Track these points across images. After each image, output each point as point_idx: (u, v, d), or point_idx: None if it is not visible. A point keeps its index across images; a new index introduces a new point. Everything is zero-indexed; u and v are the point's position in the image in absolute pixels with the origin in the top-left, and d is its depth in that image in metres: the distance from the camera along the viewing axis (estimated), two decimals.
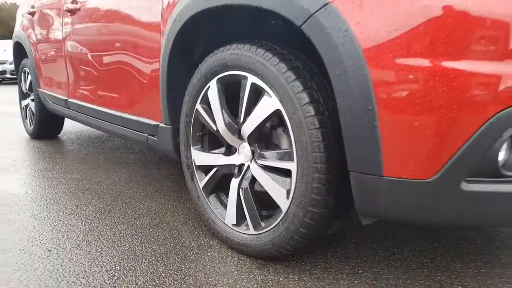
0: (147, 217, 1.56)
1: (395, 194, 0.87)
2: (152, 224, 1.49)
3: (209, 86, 1.26)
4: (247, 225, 1.20)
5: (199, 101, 1.31)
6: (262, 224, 1.16)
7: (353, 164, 0.91)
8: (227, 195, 1.29)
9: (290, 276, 1.12)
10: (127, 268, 1.17)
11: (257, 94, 1.12)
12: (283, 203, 1.07)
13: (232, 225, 1.26)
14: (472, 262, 1.20)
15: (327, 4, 0.87)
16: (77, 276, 1.13)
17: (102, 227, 1.46)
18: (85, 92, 2.11)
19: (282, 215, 1.08)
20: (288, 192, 1.05)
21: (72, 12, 2.10)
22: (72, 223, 1.51)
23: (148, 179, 2.07)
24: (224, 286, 1.06)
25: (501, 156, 0.81)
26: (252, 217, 1.18)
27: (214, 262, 1.20)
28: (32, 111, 3.18)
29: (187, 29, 1.29)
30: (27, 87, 3.20)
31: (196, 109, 1.32)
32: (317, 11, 0.89)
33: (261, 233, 1.16)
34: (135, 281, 1.10)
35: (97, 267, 1.18)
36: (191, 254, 1.25)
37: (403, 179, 0.85)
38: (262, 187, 1.14)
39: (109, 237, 1.38)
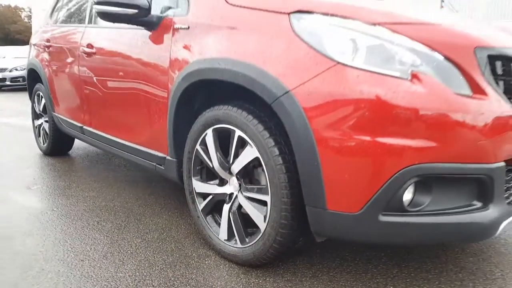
0: (156, 232, 1.94)
1: (336, 221, 1.26)
2: (160, 238, 1.86)
3: (206, 133, 1.64)
4: (235, 240, 1.58)
5: (198, 143, 1.69)
6: (247, 239, 1.54)
7: (307, 200, 1.30)
8: (220, 216, 1.67)
9: (267, 278, 1.50)
10: (145, 274, 1.54)
11: (242, 142, 1.50)
12: (262, 225, 1.45)
13: (224, 240, 1.64)
14: (406, 268, 1.59)
15: (288, 92, 1.26)
16: (108, 280, 1.50)
17: (121, 241, 1.84)
18: (100, 123, 2.48)
19: (260, 234, 1.46)
20: (265, 217, 1.44)
21: (88, 54, 2.47)
22: (96, 237, 1.88)
23: (154, 197, 2.44)
24: (210, 283, 1.44)
25: (405, 197, 1.20)
26: (239, 235, 1.56)
27: (210, 269, 1.58)
28: (45, 130, 3.54)
29: (189, 89, 1.67)
30: (41, 109, 3.56)
31: (196, 149, 1.70)
32: (281, 95, 1.27)
33: (245, 247, 1.54)
34: (152, 284, 1.47)
35: (122, 273, 1.55)
36: (193, 262, 1.63)
37: (340, 212, 1.23)
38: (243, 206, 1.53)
39: (128, 249, 1.76)
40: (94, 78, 2.42)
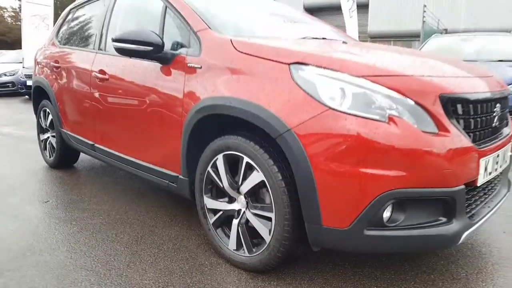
0: (170, 242, 2.20)
1: (329, 235, 1.54)
2: (175, 248, 2.13)
3: (217, 158, 1.91)
4: (244, 250, 1.86)
5: (210, 166, 1.95)
6: (253, 250, 1.82)
7: (306, 217, 1.58)
8: (229, 229, 1.94)
9: (272, 282, 1.78)
10: (166, 281, 1.80)
11: (250, 167, 1.77)
12: (267, 237, 1.73)
13: (233, 249, 1.91)
14: (387, 271, 1.89)
15: (289, 129, 1.54)
16: (135, 287, 1.76)
17: (140, 251, 2.09)
18: (113, 142, 2.71)
19: (266, 245, 1.74)
20: (270, 230, 1.71)
21: (100, 79, 2.71)
22: (117, 248, 2.13)
23: (163, 209, 2.69)
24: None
25: (385, 215, 1.49)
26: (247, 245, 1.83)
27: (222, 275, 1.85)
28: (52, 145, 3.75)
29: (201, 120, 1.93)
30: (47, 125, 3.76)
31: (208, 170, 1.97)
32: (284, 132, 1.55)
33: (253, 256, 1.81)
34: None
35: (146, 280, 1.81)
36: (207, 269, 1.90)
37: (333, 227, 1.52)
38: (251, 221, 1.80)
39: (147, 259, 2.01)
40: (108, 102, 2.66)
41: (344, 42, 2.06)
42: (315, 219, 1.55)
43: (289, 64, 1.64)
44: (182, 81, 2.06)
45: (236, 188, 1.86)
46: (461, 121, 1.60)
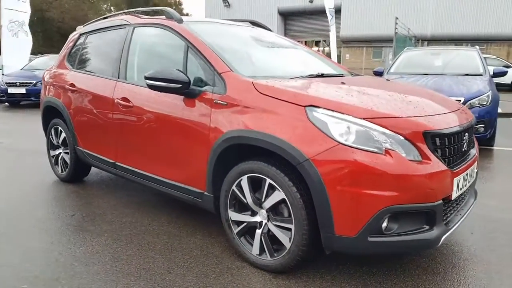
0: (197, 249, 2.57)
1: (341, 241, 1.97)
2: (203, 254, 2.50)
3: (242, 179, 2.30)
4: (266, 254, 2.26)
5: (234, 185, 2.35)
6: (275, 254, 2.22)
7: (321, 228, 2.00)
8: (251, 237, 2.34)
9: (290, 280, 2.19)
10: (205, 282, 2.18)
11: (272, 187, 2.18)
12: (287, 244, 2.14)
13: (256, 254, 2.31)
14: (381, 268, 2.33)
15: (308, 159, 1.96)
16: None
17: (174, 258, 2.46)
18: (136, 161, 3.04)
19: (286, 250, 2.15)
20: (290, 238, 2.12)
21: (123, 106, 3.04)
22: (153, 256, 2.49)
23: (182, 219, 3.05)
24: (248, 285, 2.11)
25: (383, 225, 1.93)
26: (269, 251, 2.24)
27: (249, 276, 2.25)
28: (64, 160, 4.02)
29: (227, 147, 2.32)
30: (60, 142, 4.03)
31: (232, 189, 2.36)
32: (303, 161, 1.97)
33: (274, 259, 2.22)
34: None
35: (188, 282, 2.18)
36: (235, 271, 2.29)
37: (343, 235, 1.95)
38: (273, 232, 2.21)
39: (183, 264, 2.39)
40: (132, 126, 2.99)
41: (342, 83, 2.51)
42: (329, 229, 1.97)
43: (304, 106, 2.06)
44: (208, 114, 2.44)
45: (259, 203, 2.26)
46: (439, 150, 2.06)
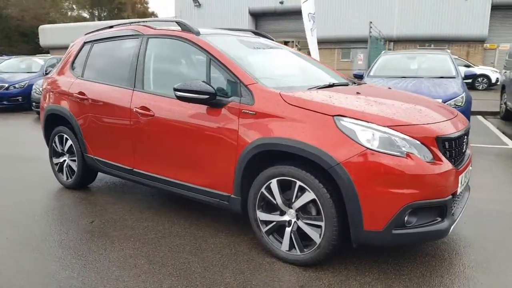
0: (226, 248, 2.76)
1: (369, 235, 2.23)
2: (232, 253, 2.70)
3: (271, 182, 2.52)
4: (295, 250, 2.49)
5: (263, 188, 2.56)
6: (305, 249, 2.46)
7: (351, 224, 2.25)
8: (279, 235, 2.56)
9: (319, 271, 2.43)
10: (243, 278, 2.38)
11: (301, 189, 2.40)
12: (317, 239, 2.38)
13: (286, 250, 2.53)
14: (389, 267, 2.62)
15: (339, 163, 2.20)
16: (221, 284, 2.31)
17: (207, 258, 2.63)
18: (157, 167, 3.17)
19: (317, 245, 2.39)
20: (320, 234, 2.36)
21: (143, 115, 3.16)
22: (186, 257, 2.65)
23: (202, 221, 3.22)
24: (284, 278, 2.34)
25: (405, 219, 2.21)
26: (299, 246, 2.47)
27: (281, 270, 2.47)
28: (69, 167, 4.08)
29: (257, 153, 2.53)
30: (65, 149, 4.07)
31: (261, 191, 2.57)
32: (335, 165, 2.21)
33: (304, 254, 2.45)
34: (253, 282, 2.32)
35: (227, 279, 2.37)
36: (268, 267, 2.51)
37: (371, 230, 2.21)
38: (303, 229, 2.44)
39: (217, 262, 2.57)
40: (154, 134, 3.12)
41: (357, 93, 2.77)
42: (359, 224, 2.23)
43: (332, 116, 2.30)
44: (236, 122, 2.63)
45: (288, 204, 2.48)
46: (447, 152, 2.36)
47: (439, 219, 2.32)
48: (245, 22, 27.67)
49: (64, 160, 4.14)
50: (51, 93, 4.17)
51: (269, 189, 2.55)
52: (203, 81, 2.71)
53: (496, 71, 18.42)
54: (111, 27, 3.98)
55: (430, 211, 2.29)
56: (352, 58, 25.89)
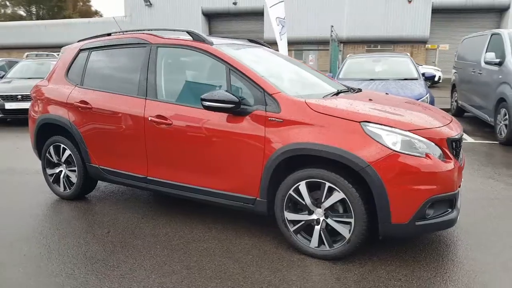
0: (254, 249, 2.91)
1: (395, 228, 2.50)
2: (262, 252, 2.86)
3: (299, 184, 2.71)
4: (325, 245, 2.70)
5: (291, 190, 2.75)
6: (334, 245, 2.68)
7: (380, 218, 2.51)
8: (306, 233, 2.77)
9: (347, 263, 2.66)
10: (280, 275, 2.56)
11: (330, 190, 2.62)
12: (347, 235, 2.61)
13: (314, 247, 2.74)
14: (395, 254, 2.92)
15: (369, 165, 2.45)
16: (262, 281, 2.47)
17: (240, 258, 2.77)
18: (175, 175, 3.24)
19: (346, 240, 2.62)
20: (349, 230, 2.60)
21: (159, 123, 3.22)
22: (220, 260, 2.77)
23: (220, 225, 3.33)
24: (318, 272, 2.56)
25: (426, 212, 2.51)
26: (328, 242, 2.69)
27: (312, 265, 2.67)
28: (67, 177, 4.00)
29: (285, 158, 2.71)
30: (62, 159, 3.99)
31: (289, 193, 2.76)
32: (365, 167, 2.46)
33: (334, 249, 2.68)
34: (291, 278, 2.51)
35: (267, 276, 2.54)
36: (299, 262, 2.70)
37: (398, 223, 2.48)
38: (333, 226, 2.67)
39: (250, 263, 2.72)
40: (171, 142, 3.19)
41: (370, 100, 3.04)
42: (387, 219, 2.49)
43: (359, 121, 2.54)
44: (262, 130, 2.79)
45: (316, 204, 2.70)
46: (454, 151, 2.70)
47: (450, 210, 2.64)
48: (198, 23, 27.55)
49: (61, 171, 4.05)
50: (43, 101, 4.06)
51: (297, 190, 2.74)
52: (227, 91, 2.84)
53: (438, 70, 19.92)
54: (109, 34, 3.96)
55: (444, 204, 2.60)
56: (304, 59, 26.67)
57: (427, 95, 6.47)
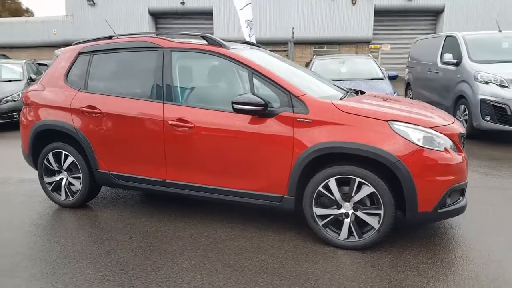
0: (285, 244, 3.05)
1: (421, 216, 2.78)
2: (292, 247, 3.00)
3: (329, 180, 2.90)
4: (354, 237, 2.91)
5: (321, 186, 2.93)
6: (363, 236, 2.90)
7: (408, 208, 2.77)
8: (335, 226, 2.97)
9: (377, 252, 2.89)
10: (320, 266, 2.73)
11: (359, 185, 2.84)
12: (376, 225, 2.84)
13: (344, 239, 2.94)
14: (424, 235, 3.23)
15: (399, 160, 2.69)
16: (306, 273, 2.63)
17: (275, 254, 2.90)
18: (197, 177, 3.27)
19: (375, 230, 2.85)
20: (379, 221, 2.83)
21: (181, 126, 3.23)
22: (256, 256, 2.88)
23: (241, 224, 3.42)
24: (352, 261, 2.77)
25: (446, 200, 2.81)
26: (357, 233, 2.90)
27: (343, 255, 2.87)
28: (67, 185, 3.86)
29: (315, 156, 2.88)
30: (63, 167, 3.84)
31: (318, 189, 2.94)
32: (396, 162, 2.70)
33: (363, 239, 2.89)
34: (329, 271, 2.69)
35: (309, 269, 2.69)
36: (331, 254, 2.89)
37: (423, 211, 2.76)
38: (362, 218, 2.88)
39: (288, 257, 2.86)
40: (194, 145, 3.23)
41: (384, 100, 3.30)
42: (414, 208, 2.75)
43: (387, 120, 2.78)
44: (290, 130, 2.94)
45: (345, 198, 2.90)
46: (462, 146, 3.04)
47: (461, 197, 2.97)
48: (145, 22, 26.86)
49: (61, 178, 3.90)
50: (40, 107, 3.88)
51: (326, 187, 2.92)
52: (255, 94, 2.96)
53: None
54: (110, 37, 3.88)
55: (458, 192, 2.93)
56: None
57: (395, 94, 6.97)
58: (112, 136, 3.56)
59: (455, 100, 7.11)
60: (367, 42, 27.00)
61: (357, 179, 2.83)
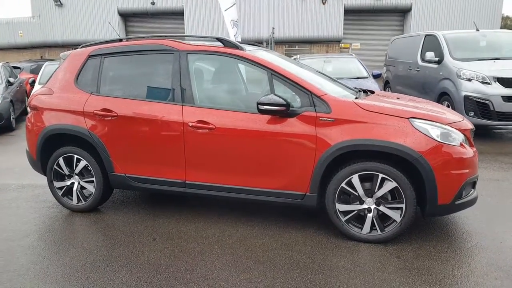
0: (309, 240, 3.15)
1: (440, 208, 2.95)
2: (317, 243, 3.11)
3: (352, 177, 3.03)
4: (376, 231, 3.05)
5: (344, 183, 3.05)
6: (385, 229, 3.05)
7: (429, 201, 2.93)
8: (357, 221, 3.10)
9: (398, 244, 3.05)
10: (348, 259, 2.85)
11: (382, 181, 2.98)
12: (398, 219, 3.00)
13: (366, 233, 3.08)
14: (437, 224, 3.42)
15: (421, 155, 2.86)
16: (328, 268, 2.75)
17: (302, 250, 3.00)
18: (219, 177, 3.31)
19: (397, 223, 3.00)
20: (400, 214, 2.99)
21: (202, 128, 3.27)
22: (285, 253, 2.96)
23: (260, 221, 3.50)
24: (378, 253, 2.91)
25: (462, 192, 3.00)
26: (380, 227, 3.05)
27: (367, 248, 3.01)
28: (79, 189, 3.81)
29: (339, 154, 3.00)
30: (76, 171, 3.78)
31: (341, 186, 3.06)
32: (418, 157, 2.86)
33: (385, 232, 3.04)
34: (359, 264, 2.81)
35: (339, 262, 2.81)
36: (355, 248, 3.01)
37: (442, 204, 2.94)
38: (385, 212, 3.03)
39: (315, 252, 2.96)
40: (215, 146, 3.27)
41: (397, 98, 3.47)
42: (434, 201, 2.92)
43: (407, 118, 2.94)
44: (313, 129, 3.05)
45: (367, 194, 3.04)
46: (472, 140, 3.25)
47: (473, 190, 3.18)
48: (114, 23, 26.24)
49: (73, 183, 3.84)
50: (49, 111, 3.80)
51: (349, 183, 3.05)
52: (277, 95, 3.05)
53: None
54: (120, 40, 3.86)
55: (471, 185, 3.13)
56: None
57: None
58: (129, 138, 3.55)
59: (438, 97, 7.45)
60: (337, 41, 27.54)
61: (380, 175, 2.97)
